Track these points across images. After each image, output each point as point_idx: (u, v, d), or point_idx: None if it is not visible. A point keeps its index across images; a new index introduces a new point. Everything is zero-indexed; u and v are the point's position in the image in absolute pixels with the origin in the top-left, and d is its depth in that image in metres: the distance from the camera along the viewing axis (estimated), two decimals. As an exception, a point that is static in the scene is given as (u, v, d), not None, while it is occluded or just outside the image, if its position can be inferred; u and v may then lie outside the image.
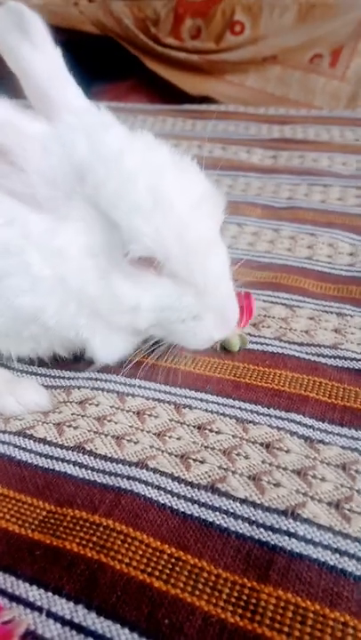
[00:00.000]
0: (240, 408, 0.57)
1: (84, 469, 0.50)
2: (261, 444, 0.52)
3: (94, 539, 0.43)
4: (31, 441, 0.54)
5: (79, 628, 0.38)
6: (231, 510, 0.45)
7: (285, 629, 0.36)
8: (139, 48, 2.66)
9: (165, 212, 0.52)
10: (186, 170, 0.56)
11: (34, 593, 0.40)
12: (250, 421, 0.55)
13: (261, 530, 0.43)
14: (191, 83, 2.52)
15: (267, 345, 0.66)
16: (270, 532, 0.43)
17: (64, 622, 0.38)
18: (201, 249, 0.54)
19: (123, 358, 0.61)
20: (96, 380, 0.63)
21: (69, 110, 0.56)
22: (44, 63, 0.58)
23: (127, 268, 0.53)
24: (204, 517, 0.45)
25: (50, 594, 0.40)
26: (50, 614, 0.39)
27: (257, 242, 0.92)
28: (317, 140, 1.36)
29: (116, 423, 0.56)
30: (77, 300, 0.55)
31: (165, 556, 0.42)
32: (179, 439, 0.53)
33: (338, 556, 0.41)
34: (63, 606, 0.39)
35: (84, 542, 0.43)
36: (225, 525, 0.44)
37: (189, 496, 0.47)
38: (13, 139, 0.51)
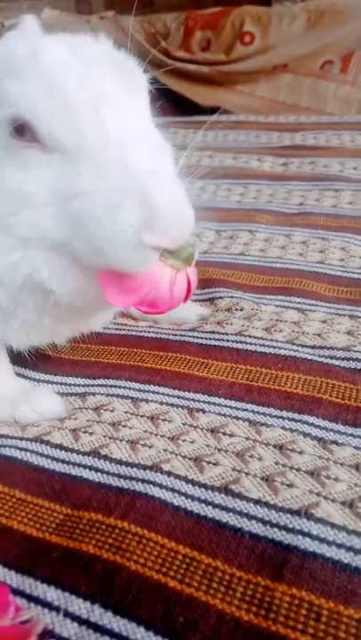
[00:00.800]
0: (253, 411, 0.57)
1: (99, 473, 0.51)
2: (274, 446, 0.52)
3: (110, 540, 0.44)
4: (48, 447, 0.55)
5: (96, 627, 0.38)
6: (245, 511, 0.46)
7: (300, 627, 0.36)
8: (150, 62, 2.70)
9: (36, 66, 0.44)
10: (90, 38, 0.50)
11: (51, 594, 0.41)
12: (263, 424, 0.55)
13: (275, 529, 0.43)
14: (202, 94, 2.55)
15: (279, 348, 0.66)
16: (284, 532, 0.43)
17: (81, 622, 0.39)
18: (88, 105, 0.44)
19: (89, 289, 0.49)
20: (111, 386, 0.64)
21: None
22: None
23: (13, 149, 0.45)
24: (217, 518, 0.45)
25: (67, 594, 0.41)
26: (67, 614, 0.39)
27: (269, 248, 0.92)
28: (328, 146, 1.37)
29: (130, 428, 0.57)
30: None
31: (180, 557, 0.42)
32: (192, 442, 0.54)
33: (352, 554, 0.41)
34: (80, 606, 0.40)
35: (100, 544, 0.44)
36: (239, 526, 0.44)
37: (203, 498, 0.47)
38: None
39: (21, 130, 0.44)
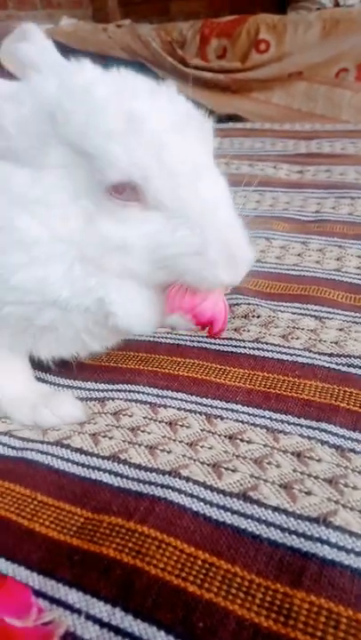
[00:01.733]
0: (270, 418, 0.58)
1: (119, 478, 0.52)
2: (292, 454, 0.52)
3: (130, 544, 0.44)
4: (68, 450, 0.56)
5: (117, 630, 0.39)
6: (263, 518, 0.46)
7: (318, 634, 0.37)
8: (167, 70, 2.73)
9: (139, 132, 0.47)
10: (165, 92, 0.52)
11: (73, 596, 0.42)
12: (280, 431, 0.55)
13: (294, 537, 0.44)
14: (218, 102, 2.56)
15: (296, 356, 0.67)
16: (302, 539, 0.43)
17: (102, 624, 0.39)
18: (188, 172, 0.49)
19: (152, 321, 0.56)
20: (129, 391, 0.65)
21: (43, 64, 0.53)
22: (34, 47, 0.56)
23: (110, 206, 0.49)
24: (236, 525, 0.46)
25: (88, 597, 0.41)
26: (88, 616, 0.40)
27: (285, 255, 0.93)
28: (344, 154, 1.37)
29: (149, 433, 0.57)
30: (77, 258, 0.51)
31: (199, 562, 0.43)
32: (210, 448, 0.54)
33: (371, 562, 0.41)
34: (101, 609, 0.40)
35: (120, 548, 0.44)
36: (257, 532, 0.45)
37: (222, 504, 0.48)
38: None
39: (121, 189, 0.49)
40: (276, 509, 0.46)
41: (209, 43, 2.65)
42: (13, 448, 0.58)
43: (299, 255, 0.92)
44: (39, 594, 0.42)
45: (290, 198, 1.14)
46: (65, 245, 0.50)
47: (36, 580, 0.43)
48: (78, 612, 0.40)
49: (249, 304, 0.79)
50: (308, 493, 0.47)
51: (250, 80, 2.48)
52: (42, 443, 0.58)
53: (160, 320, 0.57)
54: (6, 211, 0.50)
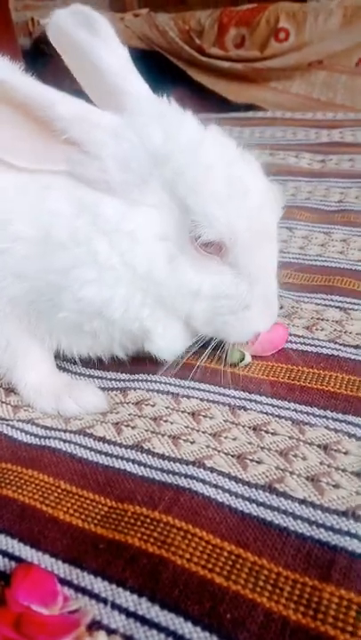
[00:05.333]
0: (295, 410, 0.57)
1: (142, 467, 0.52)
2: (319, 446, 0.51)
3: (155, 534, 0.44)
4: (91, 439, 0.56)
5: (143, 620, 0.39)
6: (290, 510, 0.45)
7: (349, 628, 0.36)
8: (184, 60, 2.70)
9: (239, 201, 0.54)
10: (252, 164, 0.58)
11: (98, 585, 0.41)
12: (306, 423, 0.55)
13: (321, 530, 0.43)
14: (236, 91, 2.54)
15: (321, 347, 0.66)
16: (331, 533, 0.43)
17: (128, 614, 0.39)
18: (262, 240, 0.57)
19: (179, 354, 0.63)
20: (151, 381, 0.64)
21: (139, 101, 0.57)
22: (114, 57, 0.58)
23: (194, 254, 0.56)
24: (262, 517, 0.45)
25: (114, 586, 0.41)
26: (114, 606, 0.40)
27: (308, 245, 0.91)
28: (367, 143, 1.35)
29: (171, 423, 0.57)
30: (142, 289, 0.56)
31: (225, 553, 0.42)
32: (234, 440, 0.54)
33: None
34: (127, 598, 0.40)
35: (145, 537, 0.44)
36: (284, 525, 0.44)
37: (247, 495, 0.47)
38: (87, 129, 0.52)
39: (209, 245, 0.56)
40: (303, 502, 0.46)
41: (227, 31, 2.62)
42: (37, 436, 0.57)
43: (322, 245, 0.91)
44: (64, 582, 0.42)
45: (312, 188, 1.12)
46: (135, 275, 0.55)
47: (61, 568, 0.43)
48: (104, 601, 0.40)
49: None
50: (336, 486, 0.47)
51: (269, 69, 2.45)
52: (65, 431, 0.58)
53: (183, 350, 0.63)
54: (88, 231, 0.54)
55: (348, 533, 0.42)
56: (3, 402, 0.64)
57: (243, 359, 0.64)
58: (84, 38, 0.58)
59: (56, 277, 0.55)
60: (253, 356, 0.66)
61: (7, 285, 0.56)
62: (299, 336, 0.68)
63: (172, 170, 0.54)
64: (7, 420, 0.61)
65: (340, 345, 0.66)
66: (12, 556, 0.44)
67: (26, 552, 0.45)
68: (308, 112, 1.84)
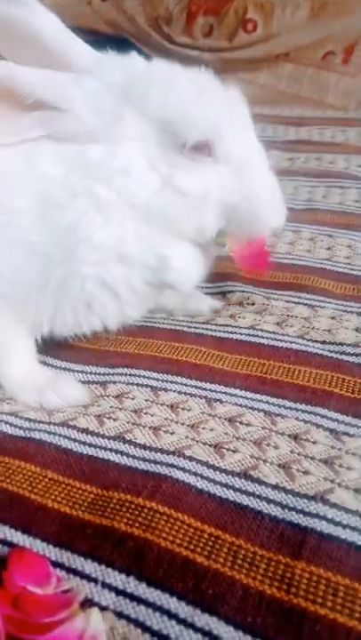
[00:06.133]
0: (268, 402, 0.61)
1: (125, 457, 0.55)
2: (289, 436, 0.56)
3: (140, 519, 0.47)
4: (74, 431, 0.58)
5: (132, 597, 0.42)
6: (264, 495, 0.49)
7: (319, 600, 0.40)
8: (152, 47, 2.69)
9: (208, 97, 0.58)
10: (202, 73, 0.61)
11: (89, 566, 0.44)
12: (278, 414, 0.59)
13: (293, 513, 0.47)
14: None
15: (291, 343, 0.70)
16: (301, 515, 0.47)
17: (118, 592, 0.42)
18: (244, 128, 0.60)
19: (199, 279, 0.65)
20: (130, 375, 0.67)
21: (87, 56, 0.60)
22: (51, 23, 0.59)
23: (188, 164, 0.58)
24: (239, 501, 0.49)
25: (103, 567, 0.44)
26: (104, 585, 0.43)
27: (278, 244, 0.95)
28: (333, 142, 1.39)
29: (152, 415, 0.60)
30: (147, 219, 0.58)
31: (206, 535, 0.46)
32: (212, 430, 0.57)
33: (364, 536, 0.45)
34: (116, 578, 0.43)
35: (130, 522, 0.47)
36: (259, 509, 0.48)
37: (225, 482, 0.51)
38: (52, 88, 0.54)
39: (199, 148, 0.58)
40: (275, 487, 0.50)
41: (196, 20, 2.61)
42: (21, 428, 0.60)
43: (291, 244, 0.95)
44: (56, 565, 0.45)
45: (281, 186, 1.16)
46: (135, 208, 0.58)
47: (52, 551, 0.46)
48: (95, 580, 0.43)
49: (243, 291, 0.82)
50: (306, 473, 0.51)
51: (236, 60, 2.47)
52: (49, 424, 0.60)
53: (202, 277, 0.66)
54: (83, 182, 0.56)
55: (317, 516, 0.47)
56: (-14, 395, 0.66)
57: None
58: (13, 12, 0.58)
59: (64, 235, 0.57)
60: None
61: (11, 258, 0.58)
62: (270, 332, 0.72)
63: (139, 96, 0.57)
64: (-9, 413, 0.62)
65: (309, 341, 0.70)
66: (4, 542, 0.47)
67: (18, 538, 0.47)
68: (276, 107, 1.87)
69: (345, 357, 0.66)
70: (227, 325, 0.75)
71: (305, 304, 0.78)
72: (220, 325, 0.75)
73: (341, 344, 0.68)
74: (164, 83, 0.58)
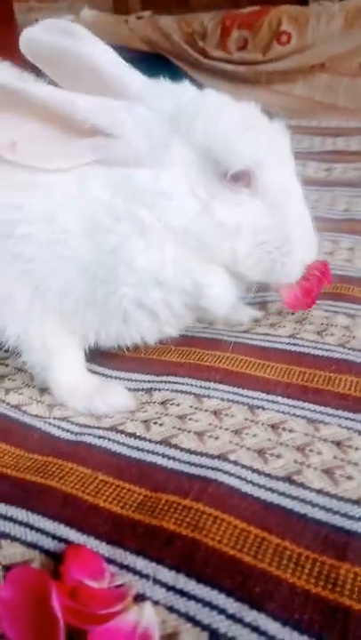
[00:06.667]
0: (310, 409, 0.62)
1: (171, 461, 0.57)
2: (332, 442, 0.57)
3: (187, 519, 0.49)
4: (123, 435, 0.61)
5: (182, 593, 0.44)
6: (308, 499, 0.51)
7: (363, 599, 0.41)
8: (187, 62, 2.75)
9: (253, 130, 0.60)
10: (250, 104, 0.64)
11: (140, 563, 0.47)
12: (320, 421, 0.60)
13: (337, 516, 0.48)
14: (238, 94, 2.57)
15: (331, 352, 0.71)
16: (345, 519, 0.48)
17: (168, 588, 0.44)
18: (284, 163, 0.62)
19: (231, 303, 0.67)
20: (174, 382, 0.69)
21: (141, 85, 0.63)
22: (106, 54, 0.63)
23: (226, 194, 0.60)
24: (283, 505, 0.50)
25: (154, 564, 0.46)
26: (155, 581, 0.45)
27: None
28: (371, 152, 1.40)
29: (196, 421, 0.62)
30: (186, 244, 0.60)
31: (252, 536, 0.48)
32: (255, 436, 0.59)
33: None
34: (166, 575, 0.45)
35: (178, 522, 0.49)
36: (303, 512, 0.49)
37: (269, 486, 0.53)
38: (106, 114, 0.57)
39: (238, 177, 0.59)
40: (319, 492, 0.51)
41: (230, 34, 2.65)
42: (72, 433, 0.63)
43: (330, 254, 0.96)
44: (109, 561, 0.47)
45: (319, 196, 1.18)
46: (174, 233, 0.60)
47: (105, 549, 0.48)
48: (146, 577, 0.46)
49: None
50: (349, 478, 0.52)
51: (271, 72, 2.49)
52: (98, 428, 0.63)
53: (235, 304, 0.70)
54: (127, 206, 0.59)
55: (360, 519, 0.48)
56: (38, 401, 0.69)
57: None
58: (70, 44, 0.62)
59: (108, 257, 0.60)
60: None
61: (61, 273, 0.61)
62: (310, 341, 0.74)
63: (185, 124, 0.59)
64: (44, 418, 0.66)
65: (349, 349, 0.71)
66: (60, 539, 0.50)
67: (72, 535, 0.50)
68: (313, 119, 1.88)
69: (386, 366, 0.67)
70: (267, 334, 0.77)
71: (345, 313, 0.79)
72: (261, 334, 0.77)
73: (382, 352, 0.69)
74: (211, 112, 0.60)
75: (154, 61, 2.66)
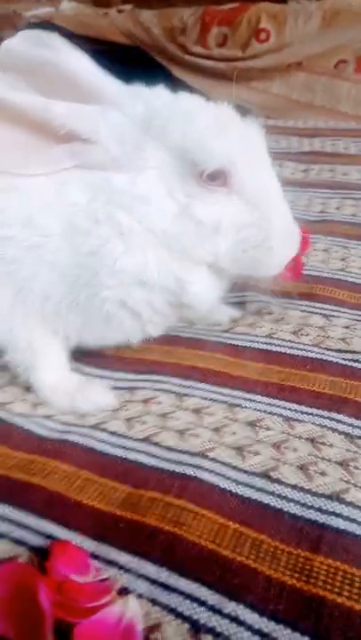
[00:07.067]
0: (286, 408, 0.64)
1: (153, 458, 0.59)
2: (307, 439, 0.59)
3: (169, 515, 0.51)
4: (105, 433, 0.63)
5: (165, 586, 0.46)
6: (284, 494, 0.53)
7: (336, 590, 0.44)
8: (167, 57, 2.75)
9: (227, 130, 0.61)
10: (223, 106, 0.65)
11: (123, 558, 0.49)
12: (295, 419, 0.62)
13: (311, 511, 0.51)
14: (216, 90, 2.59)
15: (307, 351, 0.73)
16: (319, 513, 0.51)
17: (151, 581, 0.46)
18: (260, 163, 0.64)
19: (214, 301, 0.70)
20: (156, 381, 0.71)
21: (116, 91, 0.63)
22: (83, 63, 0.62)
23: (203, 194, 0.61)
24: (260, 500, 0.53)
25: (137, 558, 0.48)
26: (139, 575, 0.47)
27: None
28: (347, 154, 1.43)
29: (177, 420, 0.64)
30: (167, 245, 0.62)
31: (230, 531, 0.50)
32: (234, 434, 0.61)
33: (378, 532, 0.48)
34: (149, 569, 0.47)
35: (160, 518, 0.51)
36: (279, 507, 0.52)
37: (247, 482, 0.55)
38: (82, 120, 0.59)
39: (214, 177, 0.61)
40: (294, 487, 0.54)
41: (210, 30, 2.65)
42: (56, 431, 0.64)
43: (305, 255, 0.98)
44: (94, 556, 0.49)
45: (295, 197, 1.20)
46: (156, 235, 0.61)
47: (90, 544, 0.50)
48: (129, 571, 0.47)
49: (261, 301, 0.86)
50: (323, 474, 0.55)
51: (250, 69, 2.51)
52: (82, 427, 0.64)
53: (218, 300, 0.72)
54: (106, 209, 0.60)
55: (333, 513, 0.50)
56: (22, 399, 0.70)
57: None
58: (49, 55, 0.62)
59: (88, 260, 0.61)
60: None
61: (42, 276, 0.62)
62: (287, 340, 0.76)
63: (160, 127, 0.61)
64: (28, 416, 0.67)
65: (324, 349, 0.74)
66: (46, 535, 0.51)
67: (58, 531, 0.51)
68: (290, 118, 1.91)
69: (359, 365, 0.70)
70: (245, 334, 0.79)
71: (320, 314, 0.82)
72: (239, 334, 0.79)
73: (355, 352, 0.72)
74: (185, 114, 0.61)
75: (133, 55, 2.65)
